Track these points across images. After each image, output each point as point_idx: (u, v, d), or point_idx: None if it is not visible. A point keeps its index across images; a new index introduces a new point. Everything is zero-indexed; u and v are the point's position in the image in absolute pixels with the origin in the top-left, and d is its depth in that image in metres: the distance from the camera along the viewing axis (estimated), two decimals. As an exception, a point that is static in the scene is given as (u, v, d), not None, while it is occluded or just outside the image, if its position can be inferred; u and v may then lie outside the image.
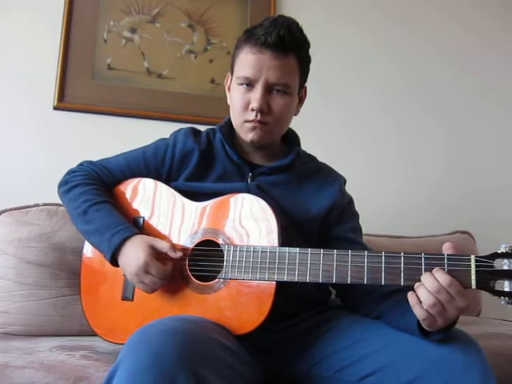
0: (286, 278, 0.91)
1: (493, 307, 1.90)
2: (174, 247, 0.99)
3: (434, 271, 0.83)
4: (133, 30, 1.88)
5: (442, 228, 1.96)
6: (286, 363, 1.01)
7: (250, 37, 1.05)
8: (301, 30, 1.07)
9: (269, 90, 1.05)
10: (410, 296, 0.83)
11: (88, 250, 1.14)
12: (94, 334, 1.10)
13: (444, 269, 0.82)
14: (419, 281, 0.84)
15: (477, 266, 0.82)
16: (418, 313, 0.83)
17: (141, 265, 0.96)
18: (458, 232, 1.94)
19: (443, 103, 2.22)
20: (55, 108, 1.76)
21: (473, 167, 2.21)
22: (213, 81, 1.92)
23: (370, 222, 1.82)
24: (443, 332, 0.86)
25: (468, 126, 2.23)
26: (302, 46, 1.08)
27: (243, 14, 1.99)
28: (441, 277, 0.81)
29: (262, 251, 0.94)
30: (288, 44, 1.03)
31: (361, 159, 2.08)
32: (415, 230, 1.91)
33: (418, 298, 0.82)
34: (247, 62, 1.04)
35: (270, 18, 1.06)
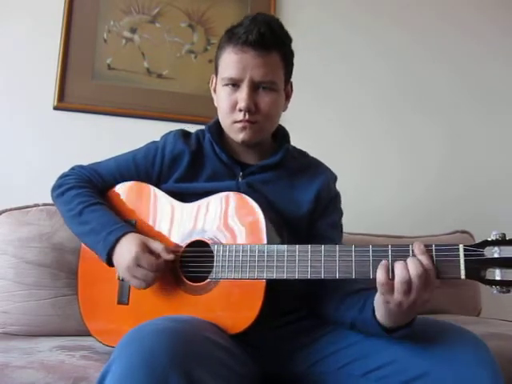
0: (275, 276, 0.91)
1: (493, 307, 1.90)
2: (167, 249, 0.99)
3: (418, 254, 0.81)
4: (133, 30, 1.88)
5: (442, 228, 1.96)
6: (284, 361, 1.01)
7: (231, 37, 1.05)
8: (281, 26, 1.07)
9: (255, 88, 1.04)
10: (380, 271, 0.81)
11: (84, 256, 1.14)
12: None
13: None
14: None
15: (465, 256, 0.79)
16: (384, 295, 0.81)
17: (132, 258, 0.96)
18: (457, 232, 1.94)
19: (440, 102, 2.22)
20: (55, 108, 1.76)
21: (472, 167, 2.21)
22: (213, 81, 1.92)
23: (369, 222, 1.83)
24: (405, 328, 0.85)
25: (465, 125, 2.24)
26: (284, 41, 1.08)
27: (243, 14, 1.94)
28: (423, 258, 0.79)
29: (250, 249, 0.93)
30: (269, 41, 1.02)
31: (359, 159, 2.08)
32: (415, 230, 1.91)
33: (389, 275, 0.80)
34: (230, 62, 1.04)
35: (249, 16, 1.06)
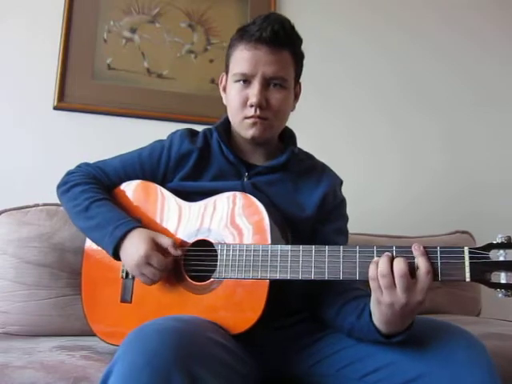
0: (278, 276, 0.90)
1: (493, 307, 1.90)
2: (175, 244, 1.00)
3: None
4: (133, 30, 1.88)
5: (442, 228, 1.96)
6: (285, 362, 1.01)
7: (243, 34, 1.06)
8: (293, 26, 1.08)
9: (266, 84, 1.05)
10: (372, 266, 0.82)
11: (88, 254, 1.14)
12: (94, 334, 1.10)
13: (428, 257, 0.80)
14: None
15: (471, 258, 0.79)
16: (375, 292, 0.82)
17: (142, 256, 0.96)
18: (457, 232, 1.94)
19: (440, 102, 2.23)
20: (55, 108, 1.76)
21: (472, 167, 2.21)
22: (213, 81, 1.92)
23: (369, 222, 1.83)
24: (402, 333, 0.85)
25: (466, 125, 2.24)
26: (296, 41, 1.09)
27: (243, 14, 1.98)
28: (421, 259, 0.80)
29: (254, 249, 0.93)
30: (282, 39, 1.04)
31: (359, 159, 2.08)
32: (415, 230, 1.91)
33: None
34: (243, 58, 1.05)
35: (261, 15, 1.07)
